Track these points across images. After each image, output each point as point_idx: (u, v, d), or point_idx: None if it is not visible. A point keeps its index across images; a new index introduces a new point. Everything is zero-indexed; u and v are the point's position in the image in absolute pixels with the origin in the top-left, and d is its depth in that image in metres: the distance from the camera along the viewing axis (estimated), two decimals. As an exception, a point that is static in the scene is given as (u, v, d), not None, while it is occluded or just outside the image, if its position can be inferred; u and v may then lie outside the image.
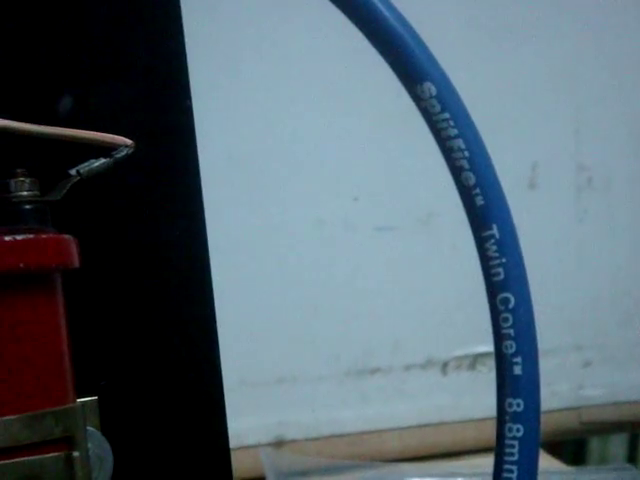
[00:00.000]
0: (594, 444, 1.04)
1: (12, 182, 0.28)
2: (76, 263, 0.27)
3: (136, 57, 0.33)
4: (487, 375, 0.80)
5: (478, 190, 0.30)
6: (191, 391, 0.33)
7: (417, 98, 0.30)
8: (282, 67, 0.77)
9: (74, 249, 0.27)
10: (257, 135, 0.76)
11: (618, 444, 1.04)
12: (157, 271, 0.33)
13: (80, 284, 0.30)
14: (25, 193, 0.28)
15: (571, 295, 0.85)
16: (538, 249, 0.77)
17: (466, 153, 0.30)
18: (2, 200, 0.27)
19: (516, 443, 0.30)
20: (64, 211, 0.29)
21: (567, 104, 0.84)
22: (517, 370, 0.30)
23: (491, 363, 0.31)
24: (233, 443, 0.34)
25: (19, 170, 0.28)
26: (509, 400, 0.30)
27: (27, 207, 0.27)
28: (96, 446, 0.30)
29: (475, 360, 0.81)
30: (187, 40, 0.33)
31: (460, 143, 0.30)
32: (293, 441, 0.79)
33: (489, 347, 0.31)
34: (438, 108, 0.30)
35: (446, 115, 0.30)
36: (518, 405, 0.30)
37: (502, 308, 0.30)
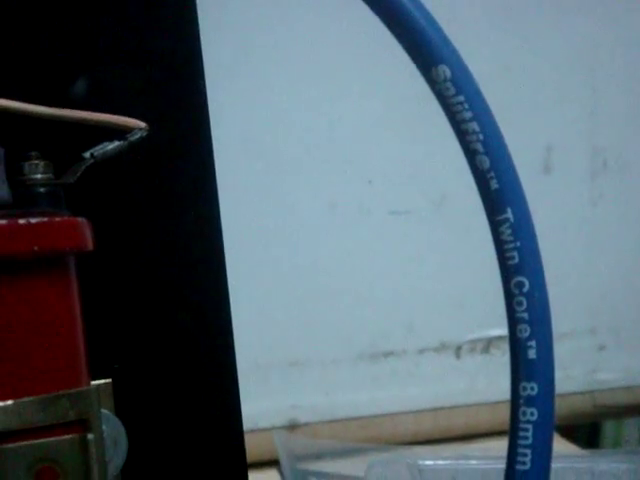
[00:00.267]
0: (608, 427, 1.04)
1: (26, 165, 0.28)
2: (90, 246, 0.27)
3: (150, 40, 0.33)
4: (501, 359, 0.80)
5: (493, 173, 0.30)
6: (205, 374, 0.34)
7: (431, 81, 0.30)
8: (296, 50, 0.76)
9: (88, 232, 0.27)
10: (271, 118, 0.76)
11: (632, 427, 1.04)
12: (171, 254, 0.33)
13: (94, 267, 0.30)
14: (39, 176, 0.28)
15: (586, 279, 0.85)
16: (553, 233, 0.76)
17: (480, 136, 0.30)
18: (16, 183, 0.27)
19: (530, 427, 0.30)
20: (78, 194, 0.29)
21: (582, 86, 0.83)
22: (531, 354, 0.30)
23: (505, 347, 0.31)
24: (247, 426, 0.34)
25: (33, 153, 0.28)
26: (523, 384, 0.30)
27: (41, 190, 0.28)
28: (110, 428, 0.30)
29: (489, 344, 0.81)
30: (201, 23, 0.33)
31: (475, 126, 0.30)
32: (307, 424, 0.79)
33: (503, 331, 0.31)
34: (453, 91, 0.30)
35: (461, 98, 0.30)
36: (532, 389, 0.30)
37: (516, 292, 0.30)
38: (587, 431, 1.03)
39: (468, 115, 0.30)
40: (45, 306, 0.26)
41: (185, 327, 0.33)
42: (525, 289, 0.30)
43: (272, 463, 0.73)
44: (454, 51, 0.30)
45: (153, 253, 0.33)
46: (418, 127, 0.76)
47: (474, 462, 0.64)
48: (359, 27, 0.56)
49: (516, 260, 0.30)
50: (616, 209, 0.85)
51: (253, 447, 0.42)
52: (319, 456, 0.72)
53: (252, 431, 0.74)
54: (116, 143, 0.29)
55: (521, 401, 0.30)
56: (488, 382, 0.81)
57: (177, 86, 0.33)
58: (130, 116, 0.30)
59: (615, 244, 0.85)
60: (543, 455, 0.30)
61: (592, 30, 0.83)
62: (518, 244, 0.30)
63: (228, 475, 0.34)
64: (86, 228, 0.27)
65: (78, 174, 0.29)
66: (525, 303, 0.30)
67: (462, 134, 0.30)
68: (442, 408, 0.82)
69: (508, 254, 0.30)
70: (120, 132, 0.30)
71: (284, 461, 0.69)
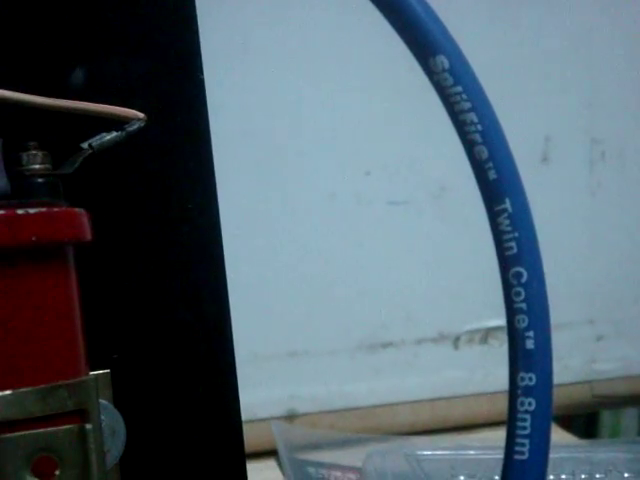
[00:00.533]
0: (606, 418, 1.04)
1: (24, 155, 0.28)
2: (88, 236, 0.27)
3: (148, 31, 0.33)
4: (499, 349, 0.80)
5: (491, 164, 0.30)
6: (203, 364, 0.34)
7: (430, 71, 0.30)
8: (294, 41, 0.76)
9: (86, 222, 0.27)
10: (269, 109, 0.76)
11: (630, 417, 1.04)
12: (169, 244, 0.33)
13: (93, 258, 0.30)
14: (37, 166, 0.28)
15: (584, 269, 0.85)
16: (551, 223, 0.76)
17: (479, 127, 0.30)
18: (14, 173, 0.27)
19: (528, 417, 0.30)
20: (76, 185, 0.29)
21: (581, 77, 0.83)
22: (529, 344, 0.30)
23: (503, 337, 0.31)
24: (245, 416, 0.34)
25: (31, 143, 0.28)
26: (521, 374, 0.30)
27: (39, 180, 0.28)
28: (109, 419, 0.30)
29: (487, 334, 0.81)
30: (200, 15, 0.33)
31: (473, 117, 0.30)
32: (305, 414, 0.79)
33: (501, 321, 0.31)
34: (451, 81, 0.30)
35: (459, 89, 0.30)
36: (530, 379, 0.30)
37: (514, 282, 0.30)
38: (585, 421, 1.03)
39: (466, 105, 0.30)
40: (44, 297, 0.26)
41: (183, 317, 0.33)
42: (523, 279, 0.30)
43: (270, 453, 0.73)
44: (452, 41, 0.30)
45: (150, 243, 0.33)
46: (416, 118, 0.76)
47: (472, 452, 0.64)
48: (357, 17, 0.56)
49: (514, 250, 0.30)
50: (615, 199, 0.85)
51: (251, 437, 0.42)
52: (317, 446, 0.72)
53: (250, 421, 0.74)
54: (114, 134, 0.29)
55: (519, 391, 0.30)
56: (486, 372, 0.81)
57: (175, 76, 0.33)
58: (128, 107, 0.30)
59: (613, 234, 0.85)
60: (541, 445, 0.30)
61: (591, 20, 0.83)
62: (516, 234, 0.30)
63: (227, 465, 0.34)
64: (85, 219, 0.27)
65: (76, 165, 0.29)
66: (523, 293, 0.30)
67: (460, 125, 0.30)
68: (440, 398, 0.82)
69: (506, 244, 0.30)
70: (118, 123, 0.30)
71: (282, 451, 0.69)
